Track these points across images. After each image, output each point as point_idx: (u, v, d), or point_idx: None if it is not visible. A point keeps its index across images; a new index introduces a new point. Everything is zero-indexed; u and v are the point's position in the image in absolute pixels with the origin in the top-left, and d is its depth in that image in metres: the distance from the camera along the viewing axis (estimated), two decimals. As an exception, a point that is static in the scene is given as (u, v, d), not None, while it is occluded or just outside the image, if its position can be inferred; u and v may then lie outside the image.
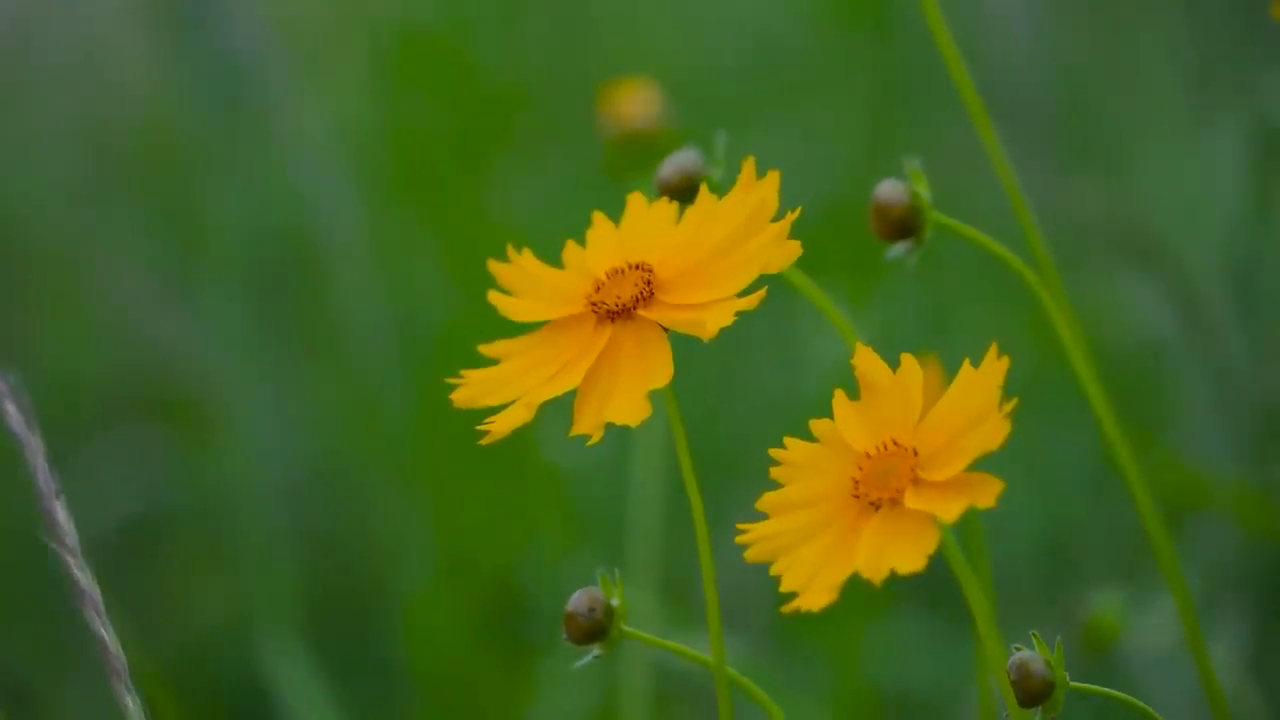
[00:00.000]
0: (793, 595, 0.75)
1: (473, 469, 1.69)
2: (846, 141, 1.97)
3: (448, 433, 1.68)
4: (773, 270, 0.78)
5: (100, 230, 2.09)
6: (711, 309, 0.78)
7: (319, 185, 1.84)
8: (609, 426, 0.78)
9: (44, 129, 2.27)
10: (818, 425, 0.79)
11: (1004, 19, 2.05)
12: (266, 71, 1.85)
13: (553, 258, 0.85)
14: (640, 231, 0.83)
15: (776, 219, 0.80)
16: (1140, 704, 0.82)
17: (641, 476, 1.37)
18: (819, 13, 2.04)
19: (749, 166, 0.81)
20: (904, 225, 0.82)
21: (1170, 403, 1.66)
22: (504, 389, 0.80)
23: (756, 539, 0.77)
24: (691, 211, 0.82)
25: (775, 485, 0.79)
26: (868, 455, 0.76)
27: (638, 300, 0.80)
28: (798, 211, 0.80)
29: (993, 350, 0.76)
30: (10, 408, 0.88)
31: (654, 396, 0.78)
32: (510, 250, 0.85)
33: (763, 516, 0.78)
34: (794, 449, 0.79)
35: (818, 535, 0.76)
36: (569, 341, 0.81)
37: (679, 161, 0.88)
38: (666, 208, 0.84)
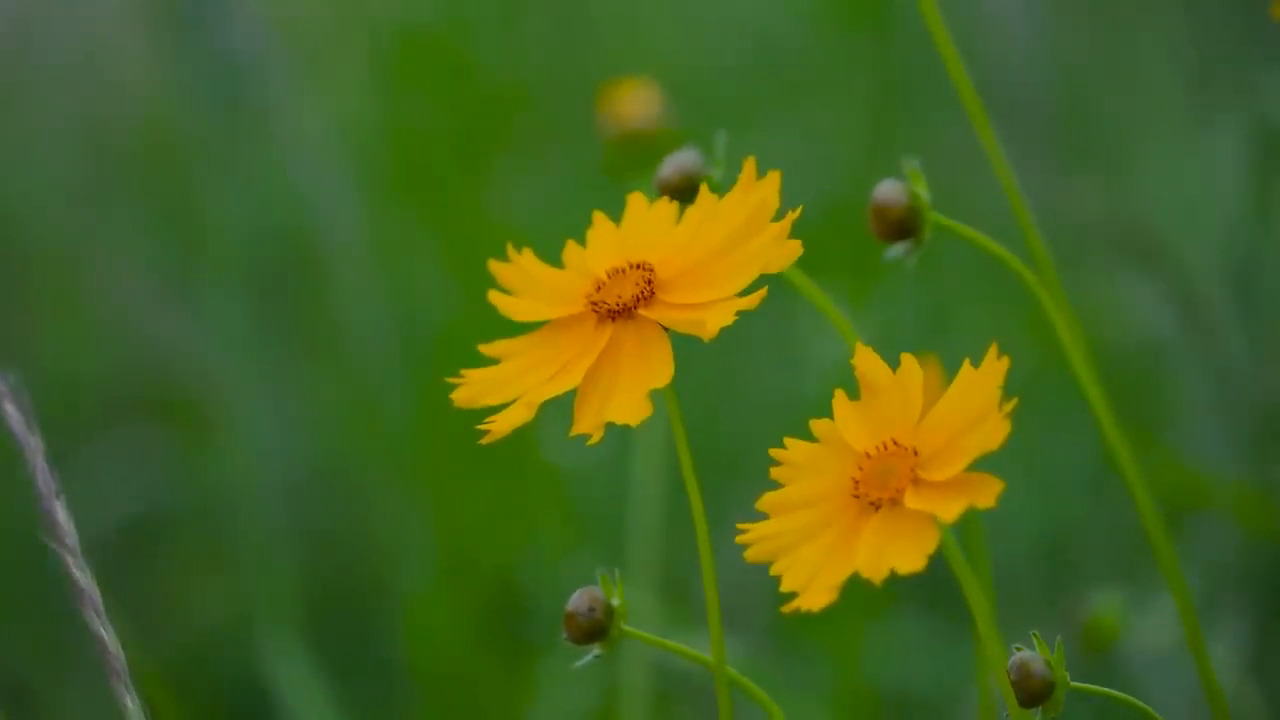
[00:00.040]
0: (793, 595, 0.75)
1: (473, 469, 1.69)
2: (846, 141, 1.97)
3: (448, 433, 1.68)
4: (773, 270, 0.78)
5: (100, 230, 2.09)
6: (712, 308, 0.78)
7: (319, 185, 1.84)
8: (609, 426, 0.78)
9: (44, 129, 2.27)
10: (818, 425, 0.79)
11: (1003, 19, 2.05)
12: (266, 71, 1.85)
13: (553, 257, 0.85)
14: (641, 231, 0.83)
15: (777, 219, 0.80)
16: (1140, 704, 0.82)
17: (641, 476, 1.37)
18: (819, 13, 2.04)
19: (749, 166, 0.81)
20: (903, 226, 0.82)
21: (1170, 403, 1.66)
22: (504, 388, 0.80)
23: (756, 539, 0.77)
24: (692, 211, 0.82)
25: (775, 485, 0.79)
26: (868, 455, 0.76)
27: (638, 300, 0.80)
28: (798, 211, 0.80)
29: (993, 350, 0.76)
30: (10, 408, 0.88)
31: (654, 396, 0.78)
32: (510, 250, 0.85)
33: (763, 516, 0.78)
34: (794, 449, 0.79)
35: (818, 535, 0.76)
36: (569, 341, 0.81)
37: (679, 161, 0.88)
38: (667, 207, 0.84)
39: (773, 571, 0.76)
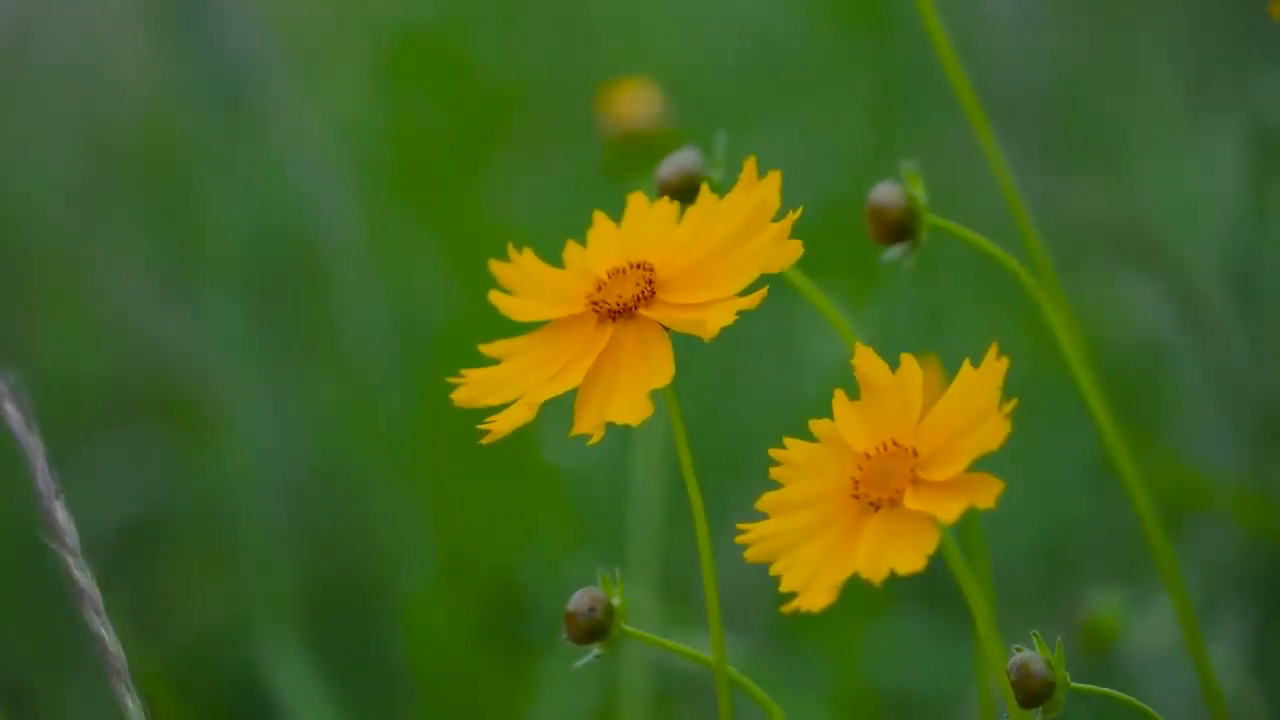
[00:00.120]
0: (792, 595, 0.75)
1: (473, 469, 1.69)
2: (846, 141, 1.97)
3: (448, 433, 1.68)
4: (774, 270, 0.78)
5: (100, 230, 2.09)
6: (712, 308, 0.78)
7: (319, 185, 1.84)
8: (609, 426, 0.78)
9: (44, 129, 2.27)
10: (817, 425, 0.79)
11: (1003, 19, 2.05)
12: (266, 71, 1.85)
13: (553, 257, 0.85)
14: (641, 231, 0.83)
15: (777, 219, 0.80)
16: (1140, 704, 0.82)
17: (642, 476, 1.37)
18: (819, 13, 2.04)
19: (750, 166, 0.81)
20: (900, 228, 0.82)
21: (1170, 403, 1.66)
22: (505, 388, 0.80)
23: (756, 539, 0.77)
24: (692, 211, 0.82)
25: (775, 485, 0.79)
26: (867, 455, 0.76)
27: (639, 300, 0.80)
28: (799, 212, 0.80)
29: (992, 351, 0.76)
30: (10, 408, 0.88)
31: (655, 396, 0.78)
32: (511, 250, 0.85)
33: (762, 516, 0.78)
34: (794, 449, 0.79)
35: (817, 535, 0.76)
36: (570, 341, 0.81)
37: (679, 161, 0.88)
38: (667, 207, 0.84)
39: (772, 572, 0.76)
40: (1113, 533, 1.61)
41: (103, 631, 0.85)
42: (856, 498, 0.76)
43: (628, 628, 0.81)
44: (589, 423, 0.78)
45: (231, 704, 1.66)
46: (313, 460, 1.84)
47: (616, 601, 0.81)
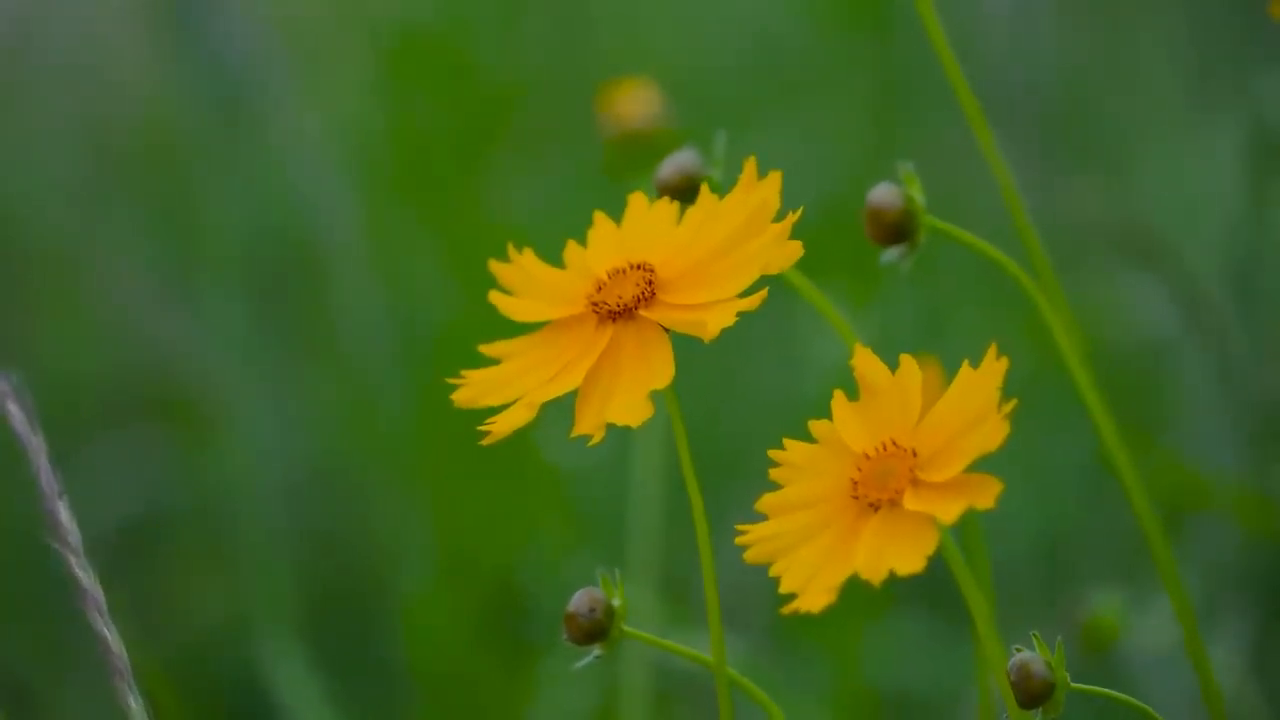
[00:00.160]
0: (792, 596, 0.75)
1: (473, 469, 1.69)
2: (846, 141, 1.97)
3: (448, 433, 1.68)
4: (774, 271, 0.78)
5: (100, 230, 2.09)
6: (713, 309, 0.78)
7: (319, 185, 1.84)
8: (610, 426, 0.78)
9: (44, 129, 2.27)
10: (817, 426, 0.79)
11: (1003, 19, 2.05)
12: (266, 71, 1.85)
13: (553, 257, 0.85)
14: (641, 231, 0.83)
15: (777, 219, 0.80)
16: (1140, 704, 0.82)
17: (642, 476, 1.37)
18: (819, 13, 2.04)
19: (750, 167, 0.81)
20: (898, 229, 0.82)
21: (1170, 403, 1.66)
22: (505, 389, 0.80)
23: (756, 540, 0.77)
24: (693, 211, 0.82)
25: (775, 486, 0.79)
26: (867, 456, 0.76)
27: (639, 300, 0.80)
28: (799, 212, 0.80)
29: (991, 351, 0.76)
30: (13, 408, 0.88)
31: (655, 396, 0.78)
32: (511, 250, 0.85)
33: (762, 517, 0.78)
34: (793, 450, 0.79)
35: (817, 536, 0.76)
36: (570, 341, 0.81)
37: (678, 162, 0.88)
38: (668, 208, 0.84)
39: (772, 573, 0.76)
40: (1112, 533, 1.61)
41: (105, 631, 0.85)
42: (856, 498, 0.76)
43: (628, 628, 0.81)
44: (589, 424, 0.78)
45: (231, 704, 1.66)
46: (313, 460, 1.84)
47: (616, 602, 0.81)
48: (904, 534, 0.74)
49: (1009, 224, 0.88)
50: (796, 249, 0.78)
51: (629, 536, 1.37)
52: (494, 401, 0.80)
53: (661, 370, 0.78)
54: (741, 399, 1.80)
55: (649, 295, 0.80)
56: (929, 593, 1.51)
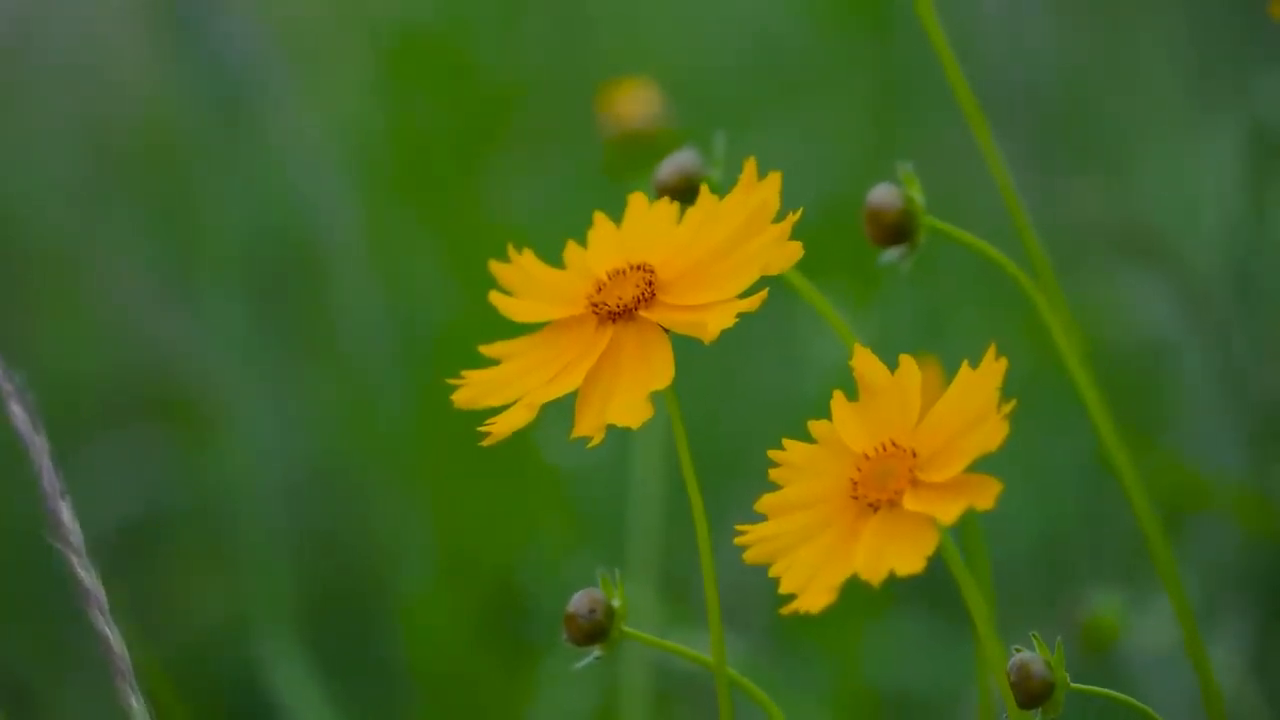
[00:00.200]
0: (792, 596, 0.75)
1: (473, 469, 1.69)
2: (846, 141, 1.97)
3: (448, 433, 1.68)
4: (774, 272, 0.78)
5: (100, 230, 2.09)
6: (713, 310, 0.78)
7: (319, 185, 1.84)
8: (610, 427, 0.78)
9: (44, 129, 2.27)
10: (816, 426, 0.79)
11: (1003, 19, 2.05)
12: (266, 71, 1.85)
13: (553, 258, 0.85)
14: (641, 232, 0.83)
15: (777, 220, 0.80)
16: (1140, 705, 0.82)
17: (642, 476, 1.37)
18: (819, 13, 2.04)
19: (750, 167, 0.81)
20: (898, 230, 0.82)
21: (1170, 403, 1.66)
22: (505, 390, 0.80)
23: (755, 540, 0.77)
24: (693, 212, 0.82)
25: (774, 486, 0.79)
26: (866, 457, 0.76)
27: (639, 301, 0.80)
28: (799, 213, 0.80)
29: (991, 351, 0.76)
30: (16, 408, 0.88)
31: (655, 397, 0.78)
32: (511, 250, 0.85)
33: (762, 518, 0.78)
34: (793, 450, 0.79)
35: (816, 536, 0.76)
36: (570, 342, 0.81)
37: (677, 162, 0.88)
38: (668, 208, 0.84)
39: (772, 573, 0.76)
40: (1112, 533, 1.61)
41: (107, 631, 0.85)
42: (855, 499, 0.76)
43: (628, 629, 0.81)
44: (589, 425, 0.78)
45: (231, 704, 1.66)
46: (313, 460, 1.84)
47: (616, 603, 0.81)
48: (903, 534, 0.74)
49: (1008, 224, 0.88)
50: (796, 250, 0.78)
51: (629, 536, 1.37)
52: (494, 402, 0.80)
53: (661, 371, 0.78)
54: (741, 399, 1.80)
55: (649, 296, 0.80)
56: (929, 593, 1.51)
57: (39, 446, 0.87)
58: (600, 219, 0.84)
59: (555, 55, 2.13)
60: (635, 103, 1.35)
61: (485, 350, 0.83)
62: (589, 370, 0.79)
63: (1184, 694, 1.33)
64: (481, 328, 0.87)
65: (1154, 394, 1.70)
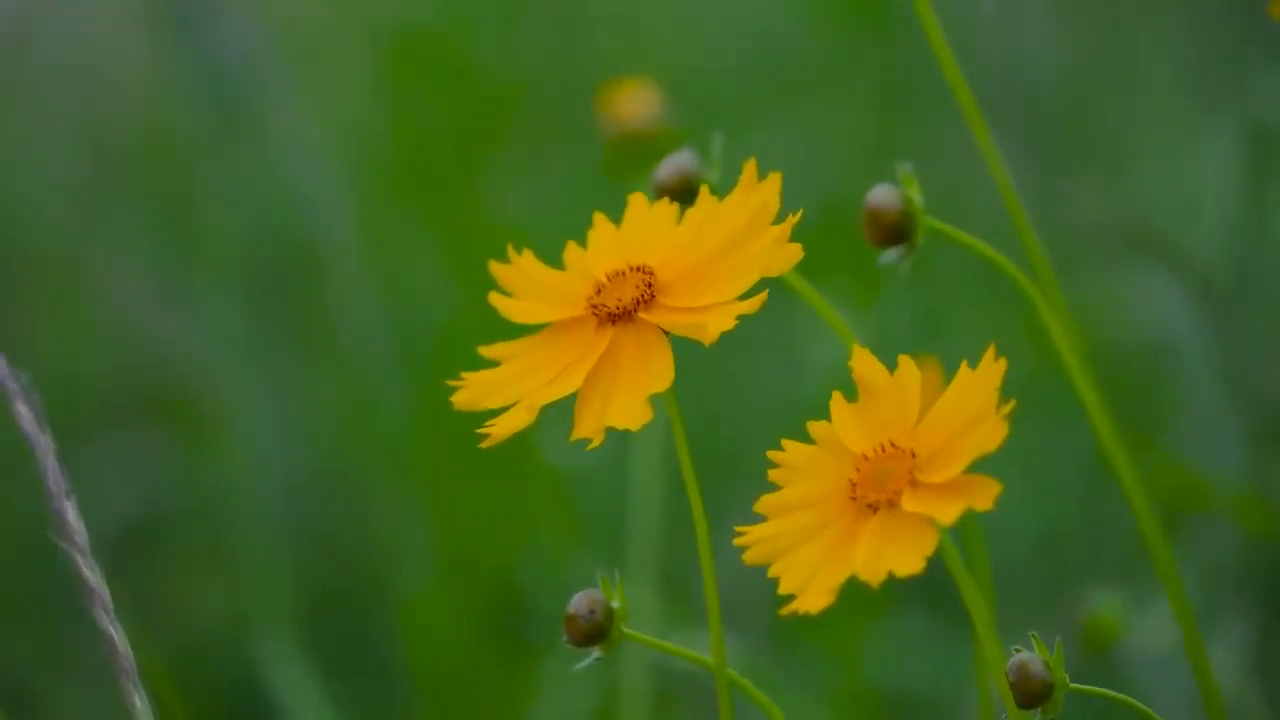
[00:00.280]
0: (791, 597, 0.75)
1: (473, 469, 1.69)
2: (846, 142, 1.97)
3: (448, 433, 1.68)
4: (774, 273, 0.78)
5: (100, 230, 2.09)
6: (712, 312, 0.78)
7: (318, 185, 1.84)
8: (609, 428, 0.78)
9: (44, 129, 2.27)
10: (815, 427, 0.79)
11: (1003, 19, 2.05)
12: (266, 71, 1.85)
13: (553, 258, 0.85)
14: (641, 233, 0.83)
15: (777, 221, 0.79)
16: (1140, 705, 0.82)
17: (641, 477, 1.37)
18: (819, 13, 2.04)
19: (750, 168, 0.81)
20: (897, 231, 0.82)
21: (1170, 403, 1.66)
22: (504, 391, 0.80)
23: (755, 541, 0.77)
24: (692, 213, 0.82)
25: (774, 487, 0.79)
26: (865, 457, 0.76)
27: (639, 303, 0.80)
28: (799, 214, 0.80)
29: (990, 352, 0.76)
30: (21, 407, 0.88)
31: (654, 399, 0.78)
32: (510, 251, 0.85)
33: (761, 518, 0.78)
34: (792, 451, 0.79)
35: (816, 537, 0.76)
36: (570, 344, 0.81)
37: (676, 163, 0.88)
38: (667, 209, 0.84)
39: (771, 573, 0.76)
40: (1112, 533, 1.61)
41: (111, 630, 0.85)
42: (854, 499, 0.76)
43: (628, 630, 0.81)
44: (589, 427, 0.78)
45: (231, 704, 1.66)
46: (313, 460, 1.84)
47: (616, 604, 0.81)
48: (903, 535, 0.74)
49: (1008, 224, 0.88)
50: (796, 251, 0.78)
51: (629, 537, 1.37)
52: (493, 404, 0.80)
53: (661, 373, 0.78)
54: (741, 400, 1.80)
55: (648, 298, 0.80)
56: (929, 593, 1.51)
57: (44, 446, 0.87)
58: (600, 220, 0.84)
59: (555, 55, 2.13)
60: (635, 103, 1.35)
61: (484, 352, 0.83)
62: (588, 372, 0.79)
63: (1184, 694, 1.33)
64: (481, 328, 0.87)
65: (1154, 394, 1.70)
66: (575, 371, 0.79)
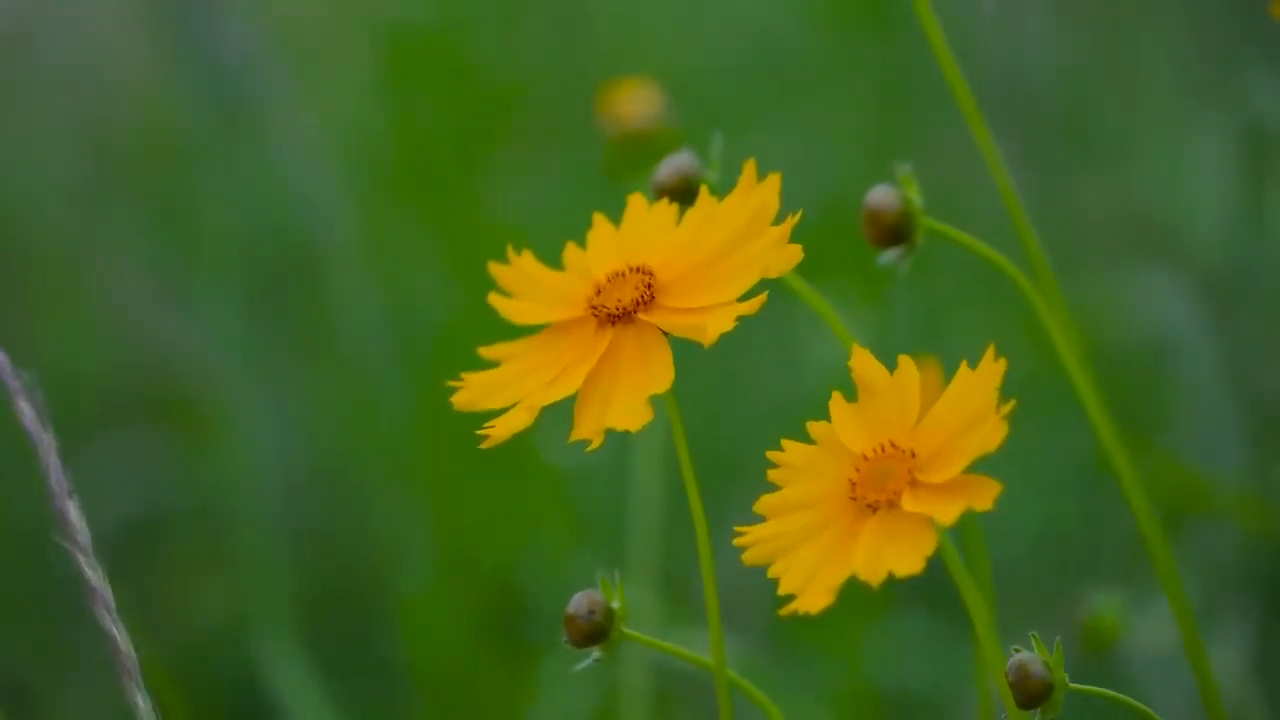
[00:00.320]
0: (791, 597, 0.75)
1: (473, 469, 1.69)
2: (846, 141, 1.97)
3: (448, 433, 1.68)
4: (773, 275, 0.78)
5: (100, 230, 2.09)
6: (712, 313, 0.78)
7: (318, 185, 1.84)
8: (609, 429, 0.78)
9: (44, 129, 2.27)
10: (815, 427, 0.79)
11: (1003, 19, 2.05)
12: (266, 71, 1.85)
13: (553, 258, 0.85)
14: (640, 233, 0.83)
15: (777, 222, 0.79)
16: (1140, 705, 0.82)
17: (641, 477, 1.37)
18: (819, 13, 2.04)
19: (749, 169, 0.81)
20: (896, 231, 0.82)
21: (1170, 403, 1.66)
22: (504, 392, 0.80)
23: (754, 541, 0.77)
24: (692, 213, 0.82)
25: (774, 487, 0.79)
26: (865, 457, 0.76)
27: (638, 304, 0.80)
28: (798, 215, 0.80)
29: (990, 352, 0.76)
30: (24, 406, 0.88)
31: (654, 399, 0.78)
32: (510, 252, 0.85)
33: (761, 519, 0.78)
34: (792, 451, 0.79)
35: (816, 537, 0.76)
36: (569, 345, 0.81)
37: (675, 164, 0.88)
38: (667, 209, 0.84)
39: (771, 574, 0.76)
40: (1112, 533, 1.61)
41: (114, 630, 0.85)
42: (854, 500, 0.76)
43: (627, 630, 0.81)
44: (588, 428, 0.78)
45: (231, 704, 1.66)
46: (313, 460, 1.84)
47: (616, 604, 0.81)
48: (902, 535, 0.74)
49: (1008, 224, 0.88)
50: (796, 252, 0.78)
51: (629, 537, 1.37)
52: (493, 405, 0.80)
53: (661, 374, 0.78)
54: (740, 400, 1.80)
55: (648, 299, 0.80)
56: (929, 593, 1.51)
57: (47, 444, 0.87)
58: (599, 220, 0.84)
59: (555, 55, 2.13)
60: (635, 103, 1.35)
61: (484, 352, 0.83)
62: (588, 373, 0.79)
63: (1184, 694, 1.33)
64: (481, 328, 0.88)
65: (1154, 394, 1.70)
66: (575, 372, 0.79)
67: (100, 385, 1.99)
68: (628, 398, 0.78)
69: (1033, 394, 1.56)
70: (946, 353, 0.99)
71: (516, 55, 2.08)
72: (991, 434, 0.74)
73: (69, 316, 2.06)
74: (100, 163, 2.24)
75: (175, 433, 1.86)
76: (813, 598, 0.74)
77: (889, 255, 0.83)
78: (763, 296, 0.77)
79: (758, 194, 0.80)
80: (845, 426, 0.78)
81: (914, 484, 0.75)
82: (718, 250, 0.80)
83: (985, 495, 0.73)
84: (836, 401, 0.79)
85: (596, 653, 0.81)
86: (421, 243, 1.88)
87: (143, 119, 2.23)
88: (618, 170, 1.35)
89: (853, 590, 0.74)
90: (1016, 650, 0.80)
